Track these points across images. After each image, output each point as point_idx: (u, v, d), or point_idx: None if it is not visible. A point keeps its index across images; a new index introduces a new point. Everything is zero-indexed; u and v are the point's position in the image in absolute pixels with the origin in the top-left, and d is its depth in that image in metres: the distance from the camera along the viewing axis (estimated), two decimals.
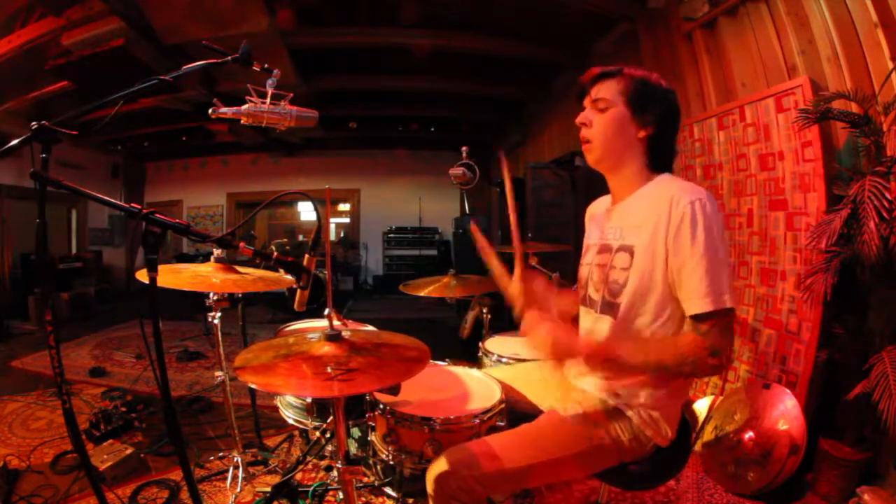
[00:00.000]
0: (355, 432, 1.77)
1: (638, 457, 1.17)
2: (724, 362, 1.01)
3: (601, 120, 1.18)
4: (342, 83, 5.32)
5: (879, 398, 1.56)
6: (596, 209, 1.40)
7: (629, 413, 1.15)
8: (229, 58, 1.24)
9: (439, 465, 1.11)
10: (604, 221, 1.29)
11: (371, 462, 1.47)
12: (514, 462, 1.10)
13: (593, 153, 1.22)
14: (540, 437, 1.15)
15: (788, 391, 2.04)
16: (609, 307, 1.18)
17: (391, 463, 1.27)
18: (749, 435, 2.04)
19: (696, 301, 1.02)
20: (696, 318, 1.03)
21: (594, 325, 1.23)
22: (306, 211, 9.20)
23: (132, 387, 3.28)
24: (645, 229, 1.11)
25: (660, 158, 1.21)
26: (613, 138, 1.18)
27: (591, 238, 1.34)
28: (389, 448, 1.27)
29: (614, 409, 1.17)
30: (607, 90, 1.18)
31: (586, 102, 1.23)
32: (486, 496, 1.13)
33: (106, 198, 1.06)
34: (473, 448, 1.12)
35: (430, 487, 1.11)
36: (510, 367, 1.71)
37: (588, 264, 1.30)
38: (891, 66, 1.87)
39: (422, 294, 2.13)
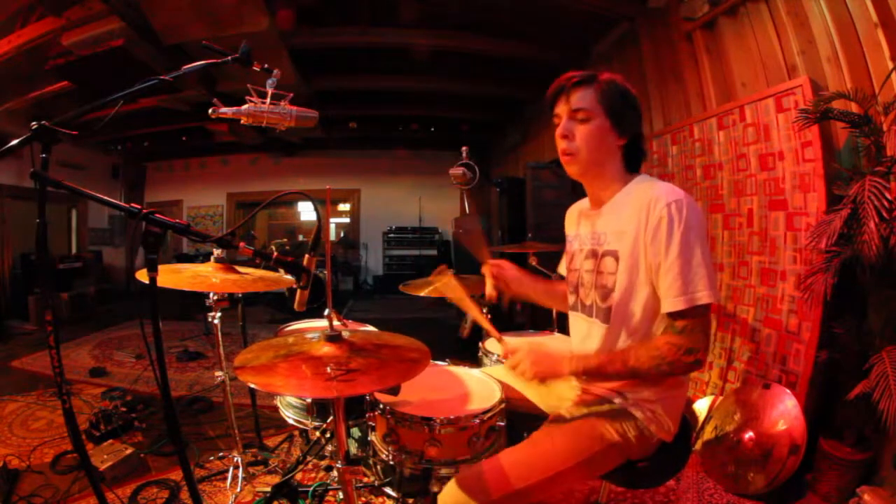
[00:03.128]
0: (355, 432, 1.76)
1: (644, 454, 1.18)
2: (702, 358, 1.04)
3: (584, 132, 1.16)
4: (342, 83, 5.31)
5: (879, 398, 1.56)
6: (576, 211, 1.40)
7: (634, 411, 1.16)
8: (229, 58, 1.25)
9: (450, 493, 1.09)
10: (588, 226, 1.28)
11: (371, 462, 1.46)
12: (525, 480, 1.09)
13: (577, 165, 1.20)
14: (550, 450, 1.14)
15: (788, 391, 2.04)
16: (600, 311, 1.20)
17: (391, 463, 1.27)
18: (749, 435, 2.04)
19: (670, 300, 1.05)
20: (672, 316, 1.06)
21: (588, 330, 1.25)
22: (306, 211, 9.19)
23: (132, 387, 3.28)
24: (628, 234, 1.13)
25: (634, 161, 1.23)
26: (596, 150, 1.17)
27: (576, 243, 1.34)
28: (389, 448, 1.27)
29: (619, 409, 1.17)
30: (586, 100, 1.15)
31: (561, 111, 1.20)
32: None
33: (106, 198, 1.06)
34: (484, 472, 1.10)
35: None
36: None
37: (576, 270, 1.31)
38: (891, 66, 1.87)
39: (422, 294, 2.12)
